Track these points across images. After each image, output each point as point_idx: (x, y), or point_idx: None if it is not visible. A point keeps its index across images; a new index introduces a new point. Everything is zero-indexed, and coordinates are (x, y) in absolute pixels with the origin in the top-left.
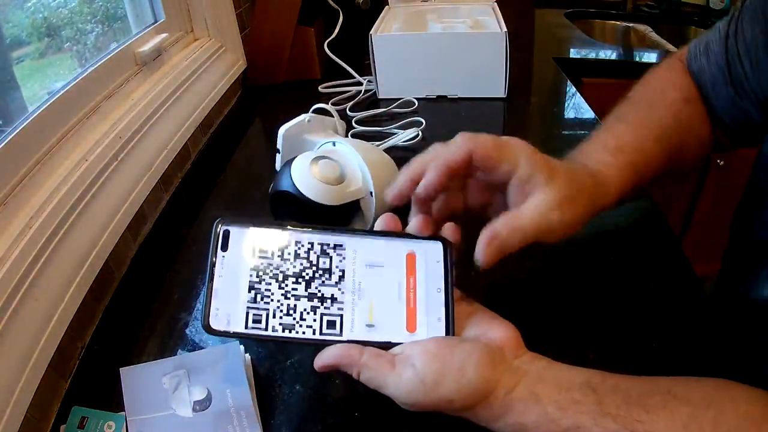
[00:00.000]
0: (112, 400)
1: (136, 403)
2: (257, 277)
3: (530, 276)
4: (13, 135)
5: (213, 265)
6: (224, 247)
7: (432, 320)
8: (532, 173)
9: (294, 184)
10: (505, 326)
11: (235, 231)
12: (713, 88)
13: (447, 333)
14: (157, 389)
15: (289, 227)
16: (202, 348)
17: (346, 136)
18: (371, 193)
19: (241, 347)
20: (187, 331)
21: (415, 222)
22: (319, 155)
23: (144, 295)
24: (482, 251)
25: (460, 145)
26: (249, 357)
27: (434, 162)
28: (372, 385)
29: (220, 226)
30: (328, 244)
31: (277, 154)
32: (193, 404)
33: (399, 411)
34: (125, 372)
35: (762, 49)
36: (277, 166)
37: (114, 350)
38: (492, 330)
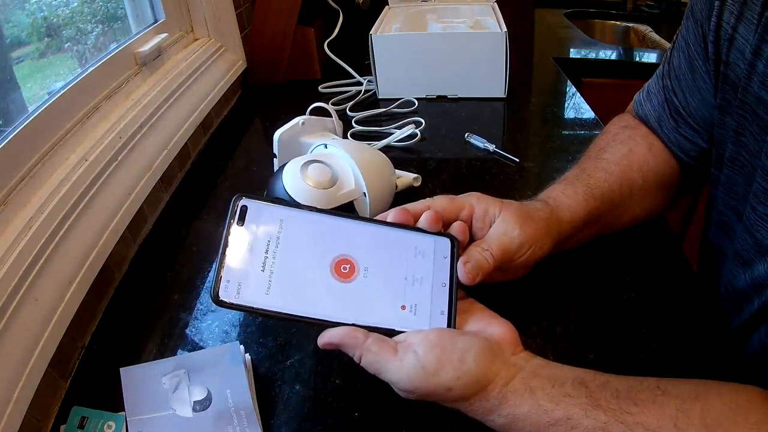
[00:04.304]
0: (112, 400)
1: (136, 403)
2: (270, 253)
3: (530, 276)
4: (13, 135)
5: (227, 237)
6: (240, 222)
7: (435, 313)
8: (487, 208)
9: (286, 191)
10: (504, 325)
11: (252, 207)
12: (660, 126)
13: (449, 326)
14: (157, 389)
15: (305, 209)
16: (202, 348)
17: (345, 136)
18: (364, 193)
19: (241, 347)
20: (187, 331)
21: (425, 217)
22: (310, 159)
23: (144, 295)
24: (461, 272)
25: (419, 201)
26: (249, 357)
27: (399, 206)
28: (372, 370)
29: (238, 200)
30: (342, 229)
31: (274, 158)
32: (193, 404)
33: (398, 411)
34: (125, 372)
35: (688, 73)
36: (275, 170)
37: (114, 350)
38: (491, 327)
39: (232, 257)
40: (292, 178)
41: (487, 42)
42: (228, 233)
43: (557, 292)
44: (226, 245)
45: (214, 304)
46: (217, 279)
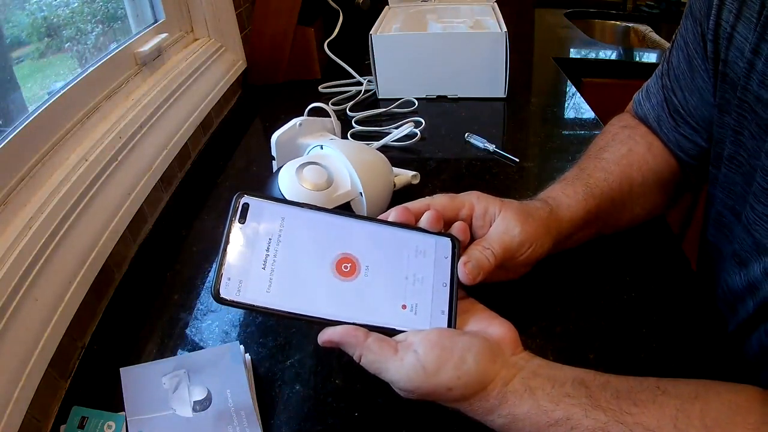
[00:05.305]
0: (112, 400)
1: (136, 403)
2: (271, 251)
3: (530, 276)
4: (13, 135)
5: (228, 235)
6: (242, 219)
7: (436, 312)
8: (487, 206)
9: (282, 195)
10: (505, 325)
11: (254, 205)
12: (659, 125)
13: (449, 326)
14: (157, 389)
15: (307, 207)
16: (202, 348)
17: (345, 136)
18: (361, 193)
19: (241, 347)
20: (187, 331)
21: (426, 217)
22: (306, 161)
23: (144, 295)
24: (462, 271)
25: (419, 200)
26: (249, 357)
27: (400, 205)
28: (372, 369)
29: (240, 198)
30: (343, 228)
31: (273, 161)
32: (193, 404)
33: (398, 411)
34: (125, 372)
35: (687, 72)
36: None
37: (114, 350)
38: (492, 327)
39: (233, 255)
40: (288, 181)
41: (487, 42)
42: (229, 231)
43: (557, 292)
44: (227, 243)
45: (214, 304)
46: (218, 276)
